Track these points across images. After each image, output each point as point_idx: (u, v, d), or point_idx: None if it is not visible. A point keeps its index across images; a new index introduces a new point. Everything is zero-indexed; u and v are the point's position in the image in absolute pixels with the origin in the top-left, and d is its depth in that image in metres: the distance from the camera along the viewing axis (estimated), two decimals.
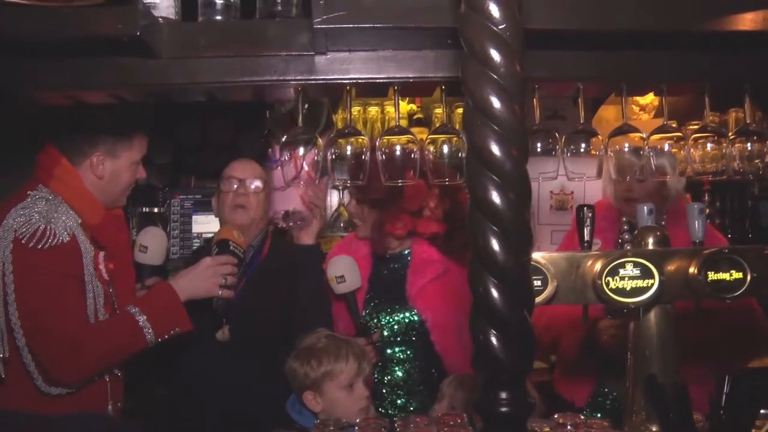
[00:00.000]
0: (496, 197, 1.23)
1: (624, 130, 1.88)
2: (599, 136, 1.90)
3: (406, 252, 2.67)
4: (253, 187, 2.64)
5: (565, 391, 2.67)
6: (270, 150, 3.51)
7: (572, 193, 3.78)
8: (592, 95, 1.89)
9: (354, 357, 2.20)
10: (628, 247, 2.49)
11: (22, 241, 2.04)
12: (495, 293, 1.23)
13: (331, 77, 1.69)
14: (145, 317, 2.14)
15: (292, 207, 2.41)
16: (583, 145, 1.85)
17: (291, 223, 2.49)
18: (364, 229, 2.68)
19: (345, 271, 2.53)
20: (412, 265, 2.63)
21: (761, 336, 2.53)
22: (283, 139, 1.83)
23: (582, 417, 1.63)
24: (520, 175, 1.25)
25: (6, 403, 2.13)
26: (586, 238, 1.84)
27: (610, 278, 1.61)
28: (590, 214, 1.84)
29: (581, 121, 1.85)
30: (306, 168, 1.92)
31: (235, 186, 2.66)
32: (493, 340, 1.24)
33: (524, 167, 1.26)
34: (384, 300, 2.63)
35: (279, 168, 2.00)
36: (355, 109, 3.97)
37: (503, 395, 1.24)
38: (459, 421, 1.66)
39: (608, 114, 3.93)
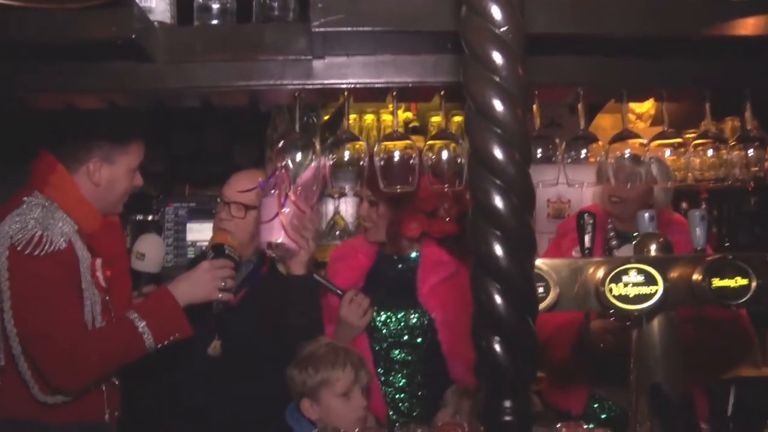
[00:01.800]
0: (498, 202, 1.20)
1: (624, 135, 1.86)
2: (599, 142, 1.89)
3: (414, 255, 2.64)
4: (237, 213, 2.58)
5: (559, 401, 2.64)
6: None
7: (569, 201, 3.77)
8: (591, 101, 1.88)
9: (352, 366, 2.17)
10: (616, 254, 2.49)
11: (18, 248, 2.02)
12: (498, 299, 1.20)
13: (329, 82, 1.67)
14: (144, 323, 2.11)
15: (275, 239, 2.29)
16: (583, 152, 1.83)
17: (274, 255, 2.42)
18: (375, 231, 2.64)
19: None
20: (422, 265, 2.60)
21: (747, 342, 2.52)
22: (280, 145, 1.80)
23: (585, 426, 1.60)
24: (523, 180, 1.22)
25: (2, 411, 2.10)
26: (587, 245, 1.82)
27: (613, 285, 1.58)
28: (591, 221, 1.82)
29: (581, 128, 1.84)
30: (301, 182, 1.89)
31: (221, 209, 2.62)
32: (497, 347, 1.21)
33: (527, 172, 1.24)
34: (390, 300, 2.59)
35: (271, 184, 1.98)
36: (351, 117, 3.94)
37: (507, 404, 1.21)
38: (459, 431, 1.63)
39: (605, 122, 3.93)
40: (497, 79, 1.21)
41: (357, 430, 1.70)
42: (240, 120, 3.55)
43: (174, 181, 3.94)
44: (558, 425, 1.62)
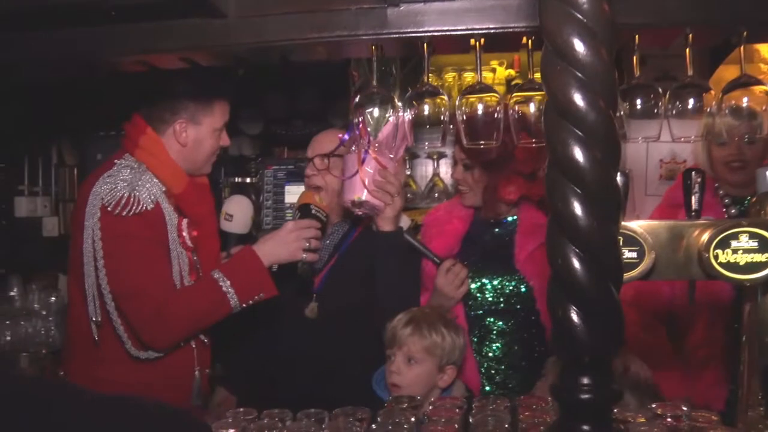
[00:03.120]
0: (578, 154, 1.07)
1: (743, 82, 1.63)
2: (711, 92, 1.66)
3: (511, 219, 2.52)
4: (320, 165, 2.49)
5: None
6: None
7: (685, 161, 3.43)
8: (702, 45, 1.65)
9: None
10: None
11: (108, 209, 2.09)
12: (576, 264, 1.08)
13: (405, 30, 1.57)
14: (228, 282, 2.14)
15: (357, 196, 2.25)
16: (692, 102, 1.62)
17: (360, 213, 2.36)
18: (471, 196, 2.53)
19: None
20: (520, 229, 2.48)
21: None
22: (356, 100, 1.72)
23: (684, 408, 1.44)
24: (607, 130, 1.08)
25: (99, 366, 2.21)
26: (694, 206, 1.62)
27: (719, 251, 1.39)
28: (699, 180, 1.62)
29: (688, 74, 1.62)
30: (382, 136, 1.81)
31: (308, 165, 2.57)
32: (574, 317, 1.09)
33: (612, 121, 1.09)
34: (488, 264, 2.48)
35: (351, 140, 1.91)
36: (449, 75, 3.81)
37: (584, 380, 1.09)
38: (543, 405, 1.52)
39: (729, 74, 3.54)
40: (578, 15, 1.07)
41: (432, 399, 1.63)
42: (334, 79, 3.51)
43: (272, 144, 3.98)
44: (653, 405, 1.47)
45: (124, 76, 2.04)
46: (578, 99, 1.07)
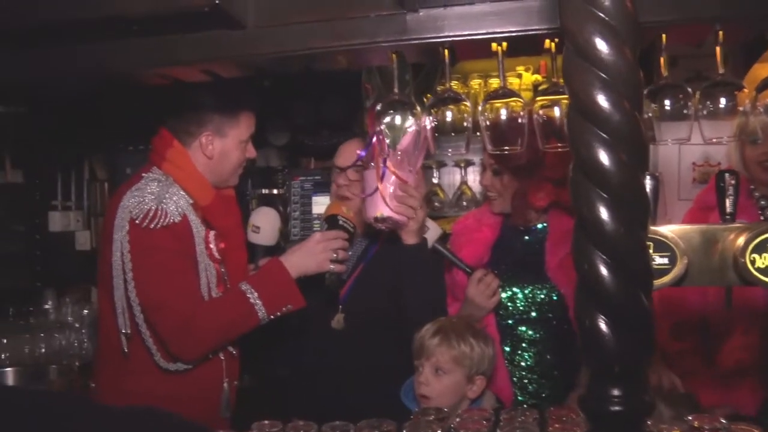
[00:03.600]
0: (603, 157, 1.04)
1: None
2: (745, 90, 1.61)
3: (541, 226, 2.48)
4: (354, 177, 2.48)
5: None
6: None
7: (719, 164, 3.33)
8: (733, 42, 1.59)
9: None
10: None
11: (137, 222, 2.10)
12: (603, 271, 1.04)
13: (425, 36, 1.55)
14: (256, 294, 2.14)
15: (379, 213, 2.20)
16: (724, 101, 1.57)
17: (383, 227, 2.32)
18: (500, 202, 2.49)
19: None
20: (551, 237, 2.43)
21: None
22: (378, 107, 1.70)
23: (723, 421, 1.38)
24: (632, 131, 1.04)
25: (129, 377, 2.22)
26: (728, 209, 1.56)
27: (756, 255, 1.34)
28: (733, 182, 1.57)
29: (719, 72, 1.57)
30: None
31: (338, 175, 2.56)
32: (602, 326, 1.05)
33: (638, 122, 1.06)
34: (518, 273, 2.45)
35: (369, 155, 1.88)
36: (475, 82, 3.78)
37: (614, 392, 1.05)
38: (573, 417, 1.47)
39: (764, 73, 3.43)
40: (600, 13, 1.04)
41: (460, 411, 1.59)
42: (359, 87, 3.50)
43: (299, 155, 3.99)
44: (689, 417, 1.41)
45: (152, 90, 2.05)
46: (602, 100, 1.04)
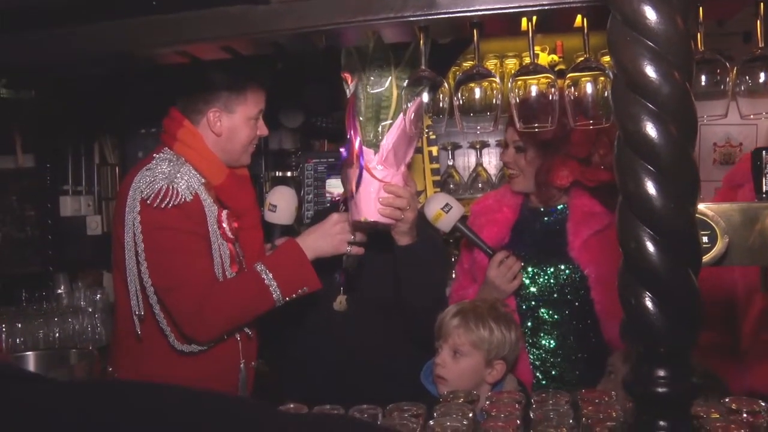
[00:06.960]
0: (651, 130, 1.00)
1: None
2: None
3: (561, 207, 2.43)
4: None
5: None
6: None
7: (740, 145, 3.27)
8: None
9: None
10: None
11: (148, 202, 2.08)
12: (650, 248, 1.01)
13: (454, 10, 1.50)
14: (271, 275, 2.11)
15: (363, 217, 2.07)
16: (763, 76, 1.52)
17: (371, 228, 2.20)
18: (521, 180, 2.43)
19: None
20: (572, 217, 2.39)
21: None
22: (404, 84, 1.65)
23: (763, 404, 1.34)
24: (683, 103, 1.00)
25: (144, 360, 2.20)
26: (765, 188, 1.53)
27: None
28: None
29: (759, 46, 1.52)
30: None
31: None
32: (648, 304, 1.02)
33: (689, 94, 1.02)
34: (539, 254, 2.40)
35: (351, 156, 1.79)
36: (490, 63, 3.72)
37: (660, 372, 1.02)
38: (606, 399, 1.44)
39: None
40: None
41: (489, 394, 1.57)
42: None
43: (312, 137, 3.95)
44: (726, 399, 1.38)
45: (162, 73, 2.02)
46: (650, 71, 1.00)
